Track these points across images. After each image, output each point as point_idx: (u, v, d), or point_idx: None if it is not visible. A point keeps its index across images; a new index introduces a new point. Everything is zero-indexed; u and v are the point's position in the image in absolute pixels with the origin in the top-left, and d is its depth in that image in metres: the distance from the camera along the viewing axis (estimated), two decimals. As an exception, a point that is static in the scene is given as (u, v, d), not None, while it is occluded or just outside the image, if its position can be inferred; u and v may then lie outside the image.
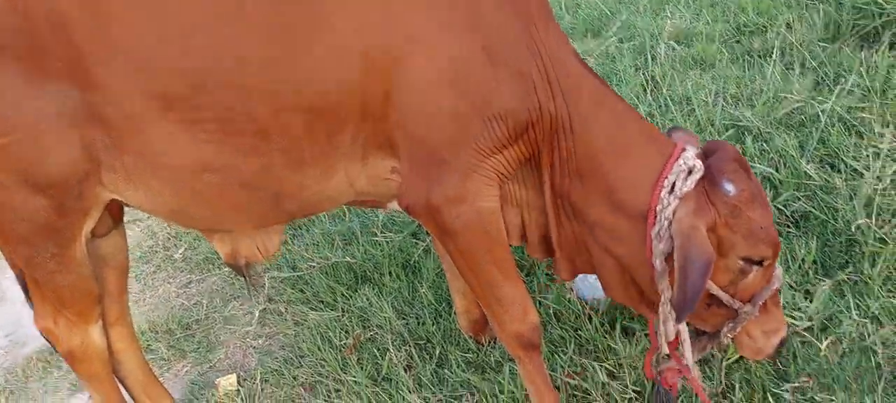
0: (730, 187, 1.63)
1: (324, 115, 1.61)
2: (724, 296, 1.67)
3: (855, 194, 2.29)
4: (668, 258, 1.63)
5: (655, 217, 1.64)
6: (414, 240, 2.89)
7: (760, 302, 1.68)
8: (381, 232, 2.99)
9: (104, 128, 1.60)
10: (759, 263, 1.65)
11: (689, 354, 1.77)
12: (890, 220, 2.20)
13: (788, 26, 3.44)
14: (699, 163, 1.66)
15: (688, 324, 1.79)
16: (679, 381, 1.85)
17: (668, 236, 1.62)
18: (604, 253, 1.77)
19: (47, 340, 2.00)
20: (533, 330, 1.83)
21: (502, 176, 1.71)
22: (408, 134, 1.63)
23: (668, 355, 1.79)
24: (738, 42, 3.54)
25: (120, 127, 1.60)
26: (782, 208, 2.38)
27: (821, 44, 3.23)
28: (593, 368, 2.09)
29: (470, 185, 1.66)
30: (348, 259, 2.90)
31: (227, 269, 3.20)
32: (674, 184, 1.64)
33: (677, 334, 1.76)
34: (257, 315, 2.87)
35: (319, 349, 2.52)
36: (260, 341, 2.77)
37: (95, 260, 1.93)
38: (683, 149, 1.70)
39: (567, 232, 1.81)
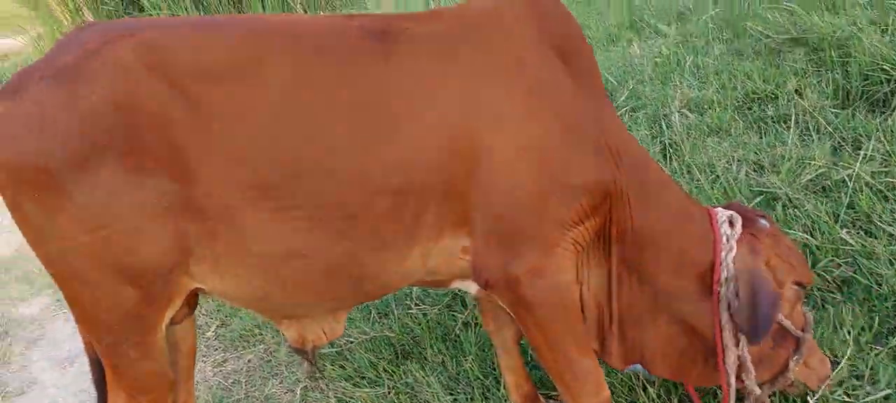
0: (765, 222, 1.89)
1: (410, 197, 1.67)
2: (789, 325, 1.83)
3: (895, 259, 2.36)
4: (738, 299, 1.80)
5: (720, 265, 1.81)
6: (451, 313, 2.91)
7: (811, 328, 1.85)
8: (416, 305, 3.01)
9: (199, 219, 1.65)
10: (804, 286, 1.84)
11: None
12: (933, 284, 2.27)
13: (798, 93, 3.56)
14: (734, 213, 1.89)
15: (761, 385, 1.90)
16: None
17: (736, 278, 1.79)
18: (668, 322, 1.90)
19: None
20: (607, 404, 1.86)
21: (580, 248, 1.77)
22: (489, 211, 1.69)
23: None
24: (750, 109, 3.66)
25: (215, 217, 1.65)
26: (823, 274, 2.45)
27: (832, 110, 3.36)
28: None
29: (550, 258, 1.73)
30: (387, 332, 2.91)
31: (262, 347, 3.19)
32: (726, 234, 1.83)
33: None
34: (299, 393, 2.85)
35: (369, 428, 2.52)
36: (303, 421, 2.75)
37: (169, 345, 1.94)
38: (712, 209, 1.94)
39: (625, 303, 1.91)
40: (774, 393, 2.03)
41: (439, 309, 2.94)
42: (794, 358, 1.91)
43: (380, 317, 3.05)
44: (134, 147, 1.60)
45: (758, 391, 1.91)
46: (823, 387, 1.98)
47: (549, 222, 1.73)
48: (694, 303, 1.88)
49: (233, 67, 1.64)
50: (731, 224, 1.88)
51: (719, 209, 1.93)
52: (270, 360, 3.13)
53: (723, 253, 1.83)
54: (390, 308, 3.06)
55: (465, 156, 1.68)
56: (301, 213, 1.66)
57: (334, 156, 1.64)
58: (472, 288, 1.90)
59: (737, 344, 1.85)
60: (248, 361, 3.17)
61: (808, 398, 1.95)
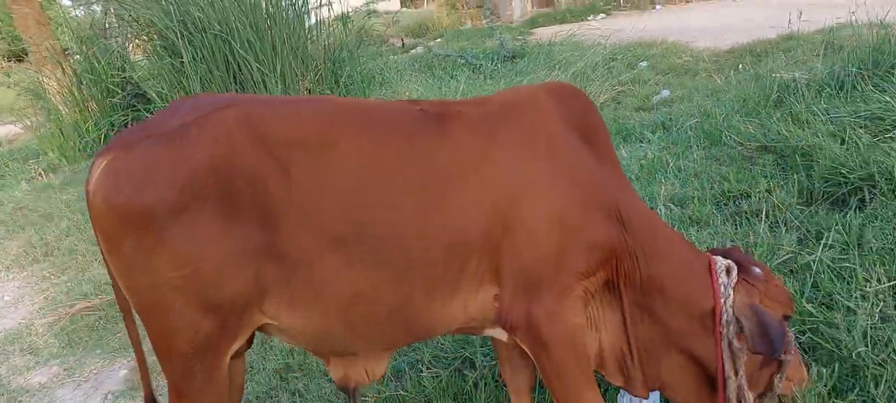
0: (757, 270, 2.23)
1: (458, 250, 1.99)
2: None
3: (852, 328, 2.72)
4: (737, 337, 2.14)
5: (722, 310, 2.15)
6: (461, 375, 3.19)
7: (792, 350, 2.22)
8: (427, 368, 3.29)
9: (278, 263, 1.92)
10: (788, 318, 2.22)
11: None
12: (885, 349, 2.61)
13: (768, 191, 4.00)
14: (730, 263, 2.23)
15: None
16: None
17: (735, 320, 2.13)
18: (679, 353, 2.22)
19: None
20: (611, 435, 2.16)
21: (590, 296, 2.11)
22: (517, 262, 2.02)
23: None
24: (726, 204, 4.08)
25: (292, 263, 1.93)
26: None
27: (798, 207, 3.78)
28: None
29: (566, 304, 2.05)
30: (401, 391, 3.17)
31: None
32: (724, 282, 2.16)
33: None
34: (316, 444, 3.08)
35: (387, 471, 2.75)
36: (324, 468, 2.97)
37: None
38: (711, 257, 2.28)
39: (642, 341, 2.23)
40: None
41: (450, 373, 3.22)
42: (778, 377, 2.25)
43: (395, 379, 3.31)
44: (228, 200, 1.88)
45: None
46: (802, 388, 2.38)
47: (566, 273, 2.06)
48: (699, 340, 2.21)
49: (316, 139, 1.96)
50: (728, 272, 2.22)
51: (718, 258, 2.26)
52: (287, 416, 3.35)
53: (722, 300, 2.17)
54: (404, 370, 3.33)
55: (502, 219, 2.01)
56: (367, 262, 1.95)
57: (397, 218, 1.96)
58: (503, 335, 2.21)
59: (736, 374, 2.18)
60: (266, 418, 3.40)
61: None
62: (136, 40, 9.87)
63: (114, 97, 9.67)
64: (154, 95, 8.97)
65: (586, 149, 2.13)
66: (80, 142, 9.64)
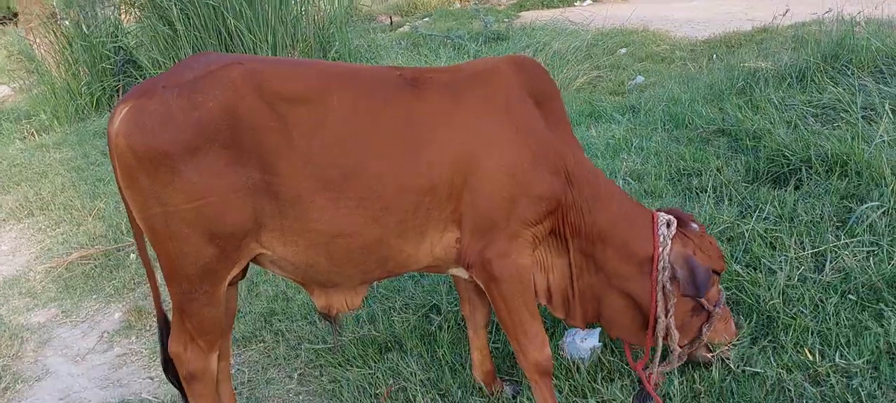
0: (695, 225, 2.58)
1: (427, 197, 2.32)
2: (705, 302, 2.52)
3: (771, 287, 3.08)
4: (671, 282, 2.50)
5: (659, 256, 2.50)
6: (428, 318, 3.54)
7: (722, 304, 2.57)
8: (398, 313, 3.63)
9: (274, 200, 2.24)
10: (719, 273, 2.55)
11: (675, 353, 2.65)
12: (797, 304, 2.98)
13: (718, 170, 4.36)
14: (672, 217, 2.57)
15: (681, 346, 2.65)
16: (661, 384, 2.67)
17: (669, 266, 2.48)
18: (617, 294, 2.57)
19: (174, 362, 2.55)
20: (548, 360, 2.51)
21: (537, 241, 2.45)
22: (475, 210, 2.35)
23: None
24: (679, 180, 4.44)
25: (286, 200, 2.24)
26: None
27: (743, 184, 4.14)
28: (585, 402, 2.75)
29: (513, 245, 2.39)
30: (374, 333, 3.52)
31: (262, 345, 3.75)
32: (664, 233, 2.50)
33: (654, 352, 2.61)
34: (296, 377, 3.42)
35: (357, 397, 3.10)
36: (301, 396, 3.31)
37: None
38: (656, 212, 2.62)
39: (584, 283, 2.58)
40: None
41: (418, 317, 3.56)
42: (706, 326, 2.62)
43: (369, 322, 3.65)
44: (233, 144, 2.18)
45: (679, 350, 2.62)
46: (730, 344, 2.75)
47: (515, 221, 2.39)
48: (637, 284, 2.56)
49: (310, 95, 2.27)
50: (668, 225, 2.56)
51: (661, 213, 2.61)
52: (270, 355, 3.68)
53: (661, 249, 2.52)
54: (377, 315, 3.67)
55: (464, 172, 2.33)
56: (350, 203, 2.27)
57: (376, 166, 2.27)
58: (463, 273, 2.55)
59: (666, 315, 2.53)
60: (249, 356, 3.73)
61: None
62: (129, 7, 10.07)
63: (105, 62, 9.88)
64: (146, 62, 9.21)
65: (540, 114, 2.46)
66: (73, 104, 9.83)
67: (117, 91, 9.97)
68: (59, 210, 6.29)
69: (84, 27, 9.90)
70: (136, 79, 9.57)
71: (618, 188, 2.67)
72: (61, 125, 9.63)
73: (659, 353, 2.66)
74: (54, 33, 10.07)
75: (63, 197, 6.56)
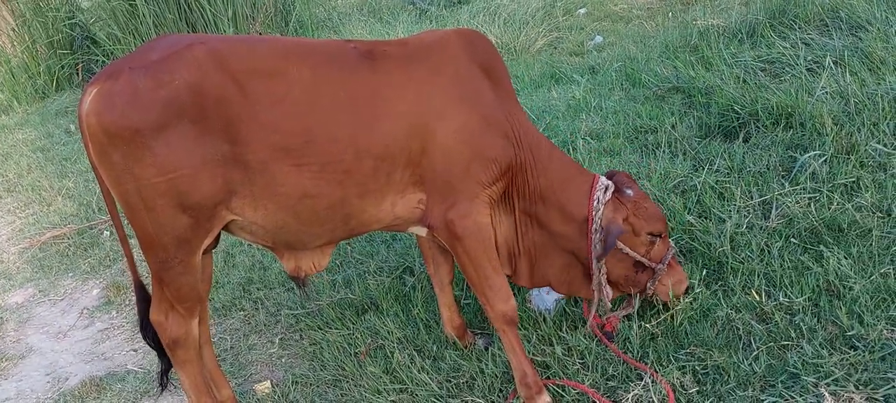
0: (630, 192, 2.76)
1: (385, 160, 2.47)
2: (645, 260, 2.71)
3: (721, 235, 3.31)
4: (602, 242, 2.68)
5: (592, 219, 2.66)
6: (401, 280, 3.70)
7: (667, 261, 2.75)
8: (373, 277, 3.79)
9: (242, 168, 2.37)
10: (659, 235, 2.74)
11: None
12: (745, 250, 3.21)
13: (673, 127, 4.56)
14: (610, 182, 2.75)
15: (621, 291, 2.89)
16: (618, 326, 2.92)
17: (602, 228, 2.66)
18: (560, 252, 2.76)
19: (155, 330, 2.68)
20: (514, 310, 2.70)
21: (493, 201, 2.62)
22: (434, 173, 2.51)
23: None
24: (636, 138, 4.64)
25: (254, 168, 2.37)
26: (677, 243, 3.37)
27: (696, 139, 4.35)
28: (552, 349, 2.95)
29: (473, 206, 2.57)
30: (351, 296, 3.68)
31: (242, 313, 3.89)
32: (599, 197, 2.67)
33: (591, 304, 2.86)
34: (278, 341, 3.57)
35: (338, 356, 3.27)
36: (284, 359, 3.47)
37: None
38: (597, 176, 2.78)
39: (529, 242, 2.78)
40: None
41: (392, 279, 3.72)
42: (651, 282, 2.84)
43: (344, 285, 3.81)
44: (200, 118, 2.30)
45: (609, 304, 2.86)
46: (680, 298, 2.95)
47: (472, 182, 2.55)
48: (575, 243, 2.75)
49: (269, 68, 2.39)
50: (606, 190, 2.74)
51: (602, 178, 2.78)
52: (251, 322, 3.83)
53: (594, 212, 2.71)
54: (353, 279, 3.83)
55: (419, 136, 2.48)
56: (313, 168, 2.41)
57: (336, 130, 2.41)
58: (423, 231, 2.71)
59: (599, 271, 2.75)
60: (231, 324, 3.87)
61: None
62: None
63: (63, 39, 9.74)
64: (104, 38, 9.11)
65: (487, 82, 2.62)
66: (31, 83, 9.70)
67: (76, 69, 9.85)
68: (28, 191, 6.29)
69: (40, 3, 9.71)
70: (96, 55, 9.46)
71: (561, 152, 2.84)
72: (21, 105, 9.50)
73: (595, 305, 2.90)
74: (9, 11, 9.87)
75: (30, 177, 6.56)
